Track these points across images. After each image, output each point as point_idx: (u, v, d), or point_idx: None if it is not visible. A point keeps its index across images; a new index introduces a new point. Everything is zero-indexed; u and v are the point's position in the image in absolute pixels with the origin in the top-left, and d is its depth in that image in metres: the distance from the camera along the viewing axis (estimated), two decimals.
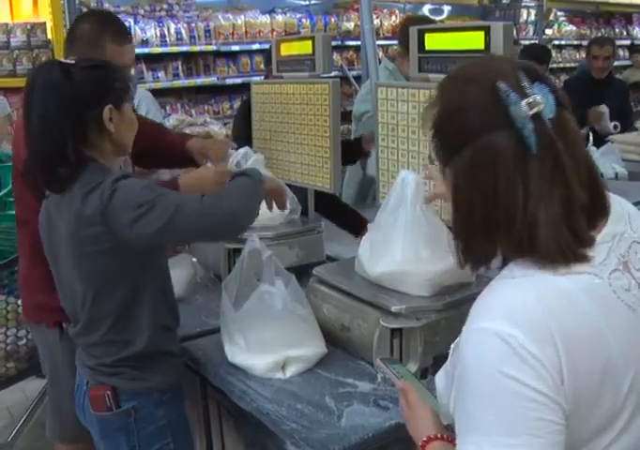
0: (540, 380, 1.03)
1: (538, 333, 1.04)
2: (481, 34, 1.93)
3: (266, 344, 1.95)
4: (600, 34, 9.84)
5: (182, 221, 1.74)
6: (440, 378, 1.33)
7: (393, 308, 1.87)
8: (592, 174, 1.17)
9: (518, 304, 1.08)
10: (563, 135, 1.11)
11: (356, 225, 2.95)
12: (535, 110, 1.08)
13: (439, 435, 1.30)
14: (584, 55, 9.48)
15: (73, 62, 1.84)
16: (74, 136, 1.77)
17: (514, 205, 1.10)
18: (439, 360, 1.90)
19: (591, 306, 1.10)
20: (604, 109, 5.04)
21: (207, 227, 1.78)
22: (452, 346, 1.28)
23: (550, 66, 5.31)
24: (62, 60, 1.85)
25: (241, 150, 2.66)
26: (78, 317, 1.91)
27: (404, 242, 1.93)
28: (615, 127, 5.06)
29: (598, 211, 1.17)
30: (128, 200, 1.72)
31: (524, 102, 1.08)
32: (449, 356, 1.30)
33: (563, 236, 1.10)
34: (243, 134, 3.36)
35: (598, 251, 1.14)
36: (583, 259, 1.11)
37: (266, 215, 2.56)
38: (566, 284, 1.10)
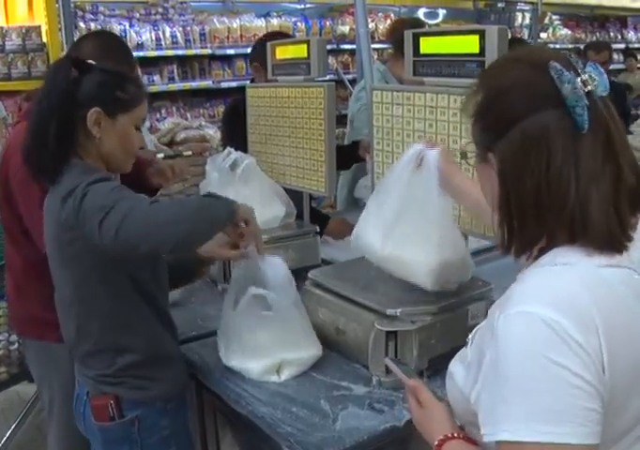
0: (585, 368, 1.01)
1: (582, 321, 1.03)
2: (476, 38, 1.94)
3: (262, 347, 1.95)
4: (594, 37, 9.87)
5: (131, 225, 1.61)
6: (457, 367, 1.32)
7: (388, 311, 1.87)
8: (634, 160, 1.17)
9: (563, 291, 1.07)
10: (611, 116, 1.13)
11: (320, 223, 2.95)
12: (589, 87, 1.09)
13: (456, 434, 1.29)
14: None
15: (93, 62, 1.86)
16: (59, 131, 1.77)
17: (566, 185, 1.09)
18: (434, 363, 1.91)
19: (632, 299, 1.10)
20: None
21: (149, 234, 1.64)
22: (472, 334, 1.28)
23: None
24: (82, 59, 1.86)
25: (226, 152, 2.67)
26: (69, 325, 1.89)
27: (418, 228, 1.85)
28: None
29: (638, 200, 1.16)
30: (95, 203, 1.66)
31: (579, 79, 1.09)
32: (469, 346, 1.28)
33: (611, 218, 1.10)
34: (228, 137, 3.39)
35: (637, 248, 1.15)
36: (624, 247, 1.12)
37: (261, 218, 2.57)
38: (608, 275, 1.10)
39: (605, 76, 1.12)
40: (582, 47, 7.03)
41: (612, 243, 1.11)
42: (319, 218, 3.02)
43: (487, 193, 1.24)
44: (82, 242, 1.71)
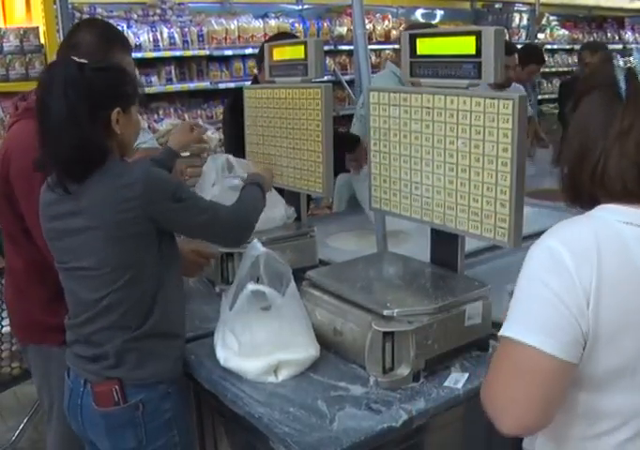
0: (567, 291, 1.25)
1: (580, 255, 1.26)
2: (472, 39, 1.94)
3: (259, 348, 1.95)
4: (592, 38, 9.88)
5: (245, 229, 2.15)
6: None
7: (385, 312, 1.87)
8: None
9: (573, 231, 1.31)
10: None
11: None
12: (629, 65, 1.33)
13: None
14: (576, 59, 9.55)
15: (86, 61, 1.88)
16: (97, 133, 1.85)
17: (595, 141, 1.33)
18: (431, 363, 1.92)
19: None
20: None
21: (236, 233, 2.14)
22: None
23: (542, 70, 5.34)
24: (75, 58, 1.88)
25: (221, 158, 2.69)
26: (89, 305, 1.92)
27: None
28: None
29: None
30: (165, 188, 1.88)
31: (622, 61, 1.35)
32: None
33: (628, 173, 1.30)
34: (229, 138, 3.41)
35: None
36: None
37: (262, 218, 2.58)
38: (626, 231, 1.28)
39: None
40: (578, 47, 7.08)
41: (628, 196, 1.30)
42: (349, 140, 3.36)
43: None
44: (142, 221, 1.86)
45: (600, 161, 1.32)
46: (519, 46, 5.69)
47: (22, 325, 2.53)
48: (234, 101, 3.53)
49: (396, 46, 6.01)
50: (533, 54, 5.61)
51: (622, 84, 1.31)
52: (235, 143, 3.17)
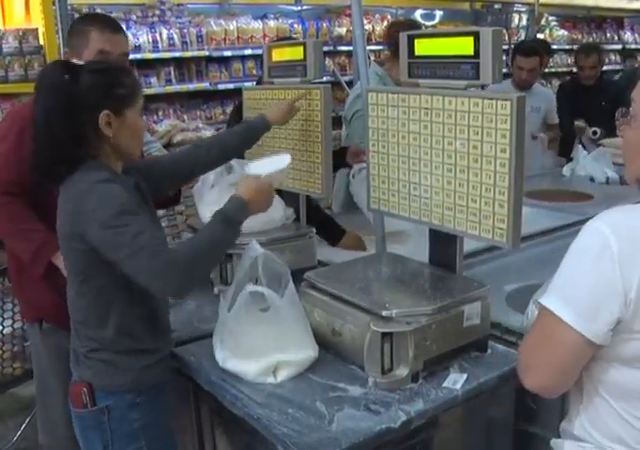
0: (612, 275, 1.30)
1: (627, 243, 1.30)
2: (471, 39, 1.94)
3: (258, 349, 1.95)
4: (591, 39, 9.88)
5: (186, 282, 1.81)
6: None
7: (384, 313, 1.87)
8: None
9: (627, 217, 1.36)
10: None
11: (333, 235, 3.08)
12: None
13: None
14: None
15: (82, 63, 1.89)
16: (70, 137, 1.83)
17: None
18: (430, 364, 1.92)
19: None
20: (582, 123, 5.33)
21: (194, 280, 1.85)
22: None
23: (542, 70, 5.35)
24: (71, 61, 1.90)
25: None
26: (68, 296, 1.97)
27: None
28: (594, 133, 5.19)
29: None
30: (100, 208, 1.76)
31: None
32: None
33: None
34: None
35: None
36: None
37: (262, 219, 2.58)
38: None
39: None
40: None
41: None
42: (335, 231, 3.11)
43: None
44: (82, 239, 1.80)
45: None
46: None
47: (21, 306, 2.61)
48: (240, 104, 3.54)
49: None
50: (540, 47, 5.63)
51: None
52: None
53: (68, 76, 1.82)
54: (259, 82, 3.61)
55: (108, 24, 2.51)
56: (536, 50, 5.01)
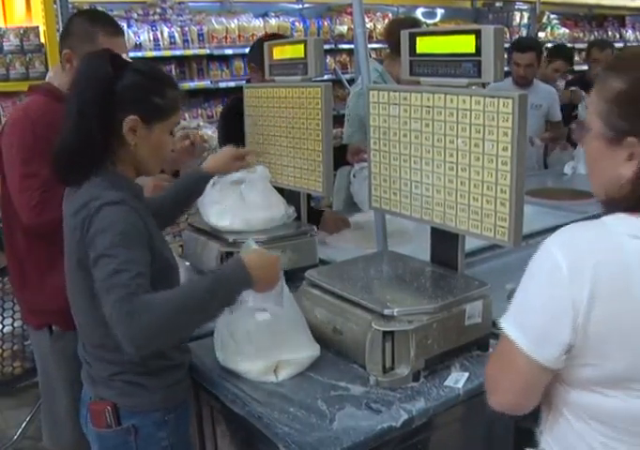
0: (561, 301, 1.25)
1: (578, 266, 1.24)
2: (472, 37, 1.94)
3: (258, 348, 1.94)
4: (593, 37, 9.86)
5: (154, 338, 1.59)
6: None
7: (385, 311, 1.87)
8: None
9: (579, 239, 1.30)
10: None
11: (314, 219, 3.05)
12: None
13: None
14: (577, 58, 9.52)
15: (129, 60, 1.82)
16: (99, 133, 1.73)
17: None
18: (431, 363, 1.92)
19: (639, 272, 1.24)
20: (578, 89, 5.38)
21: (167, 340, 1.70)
22: None
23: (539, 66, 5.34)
24: (116, 54, 1.80)
25: None
26: (79, 324, 1.88)
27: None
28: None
29: None
30: (100, 234, 1.64)
31: None
32: None
33: None
34: (225, 136, 3.40)
35: None
36: None
37: (263, 218, 2.58)
38: (628, 243, 1.25)
39: None
40: (583, 45, 7.08)
41: None
42: (312, 215, 3.05)
43: (606, 173, 1.37)
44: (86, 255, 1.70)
45: None
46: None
47: (23, 309, 2.59)
48: (227, 108, 3.56)
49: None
50: (562, 52, 5.63)
51: None
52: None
53: (112, 70, 1.74)
54: (249, 81, 3.60)
55: (113, 27, 2.50)
56: (531, 45, 5.02)
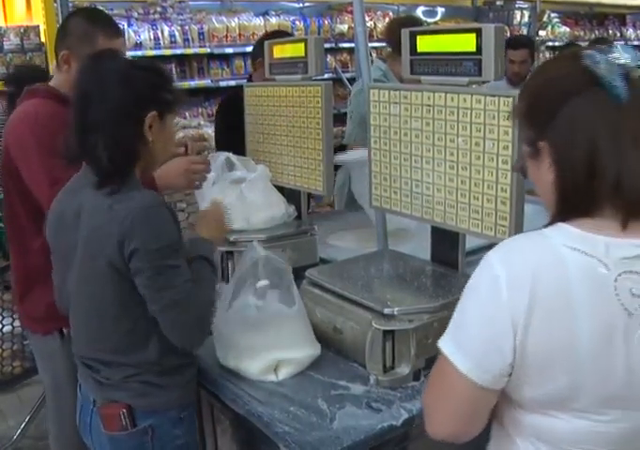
0: (499, 318, 1.19)
1: (516, 281, 1.18)
2: (473, 36, 1.94)
3: (259, 347, 1.94)
4: (593, 35, 9.86)
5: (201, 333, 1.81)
6: None
7: (386, 310, 1.87)
8: None
9: (519, 252, 1.23)
10: None
11: None
12: (621, 61, 1.19)
13: None
14: None
15: (133, 59, 1.84)
16: (133, 133, 1.75)
17: (607, 155, 1.18)
18: (432, 362, 1.91)
19: (579, 286, 1.17)
20: None
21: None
22: None
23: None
24: (120, 53, 1.83)
25: (221, 157, 2.67)
26: (88, 330, 1.85)
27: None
28: None
29: None
30: (152, 239, 1.68)
31: (610, 56, 1.19)
32: None
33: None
34: (222, 137, 3.40)
35: (629, 247, 1.19)
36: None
37: (263, 217, 2.57)
38: (568, 256, 1.18)
39: (634, 51, 1.23)
40: (584, 44, 7.08)
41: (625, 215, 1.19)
42: None
43: (543, 186, 1.30)
44: (122, 265, 1.70)
45: (614, 173, 1.17)
46: None
47: (24, 314, 2.57)
48: (224, 104, 3.56)
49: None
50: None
51: (617, 83, 1.17)
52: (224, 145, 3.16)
53: (130, 68, 1.75)
54: (249, 81, 3.60)
55: (113, 28, 2.46)
56: (524, 42, 5.08)
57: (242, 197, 2.58)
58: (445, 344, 1.28)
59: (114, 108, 1.72)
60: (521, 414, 1.30)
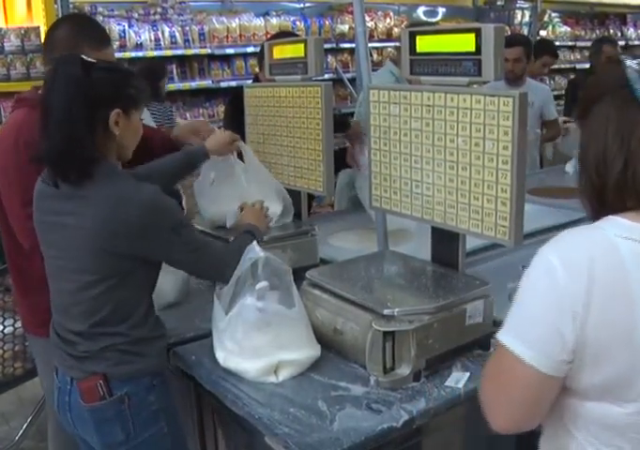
0: (558, 308, 1.23)
1: (573, 272, 1.22)
2: (472, 36, 1.93)
3: (259, 348, 1.94)
4: (594, 35, 9.87)
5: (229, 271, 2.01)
6: None
7: (386, 311, 1.87)
8: None
9: (573, 244, 1.27)
10: None
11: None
12: None
13: None
14: (578, 56, 9.53)
15: (93, 60, 1.88)
16: (89, 131, 1.84)
17: (619, 151, 1.27)
18: (432, 363, 1.91)
19: (636, 273, 1.22)
20: None
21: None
22: None
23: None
24: (82, 57, 1.87)
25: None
26: (69, 306, 1.94)
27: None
28: None
29: None
30: (167, 220, 1.90)
31: (635, 62, 1.29)
32: None
33: None
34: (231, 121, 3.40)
35: None
36: None
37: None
38: (622, 245, 1.23)
39: None
40: (585, 43, 7.11)
41: None
42: (342, 124, 3.37)
43: None
44: (133, 249, 1.88)
45: (627, 170, 1.26)
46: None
47: (26, 318, 2.56)
48: (234, 97, 3.54)
49: (397, 44, 5.99)
50: (547, 47, 5.66)
51: (638, 86, 1.26)
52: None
53: (85, 71, 1.83)
54: (255, 80, 3.60)
55: (99, 38, 2.41)
56: (519, 40, 5.03)
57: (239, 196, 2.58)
58: (504, 336, 1.31)
59: (65, 108, 1.81)
60: (577, 403, 1.32)
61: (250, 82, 3.89)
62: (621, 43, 9.93)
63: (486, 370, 1.41)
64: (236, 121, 3.19)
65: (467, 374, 1.92)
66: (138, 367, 1.93)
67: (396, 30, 7.35)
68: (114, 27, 5.58)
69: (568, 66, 9.36)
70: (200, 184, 2.73)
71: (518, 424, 1.37)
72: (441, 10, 8.33)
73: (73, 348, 1.95)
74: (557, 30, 9.39)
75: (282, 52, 2.77)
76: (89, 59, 1.87)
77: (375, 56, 7.16)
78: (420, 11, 8.09)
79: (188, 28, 6.01)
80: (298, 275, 2.16)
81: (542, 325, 1.26)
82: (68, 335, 1.97)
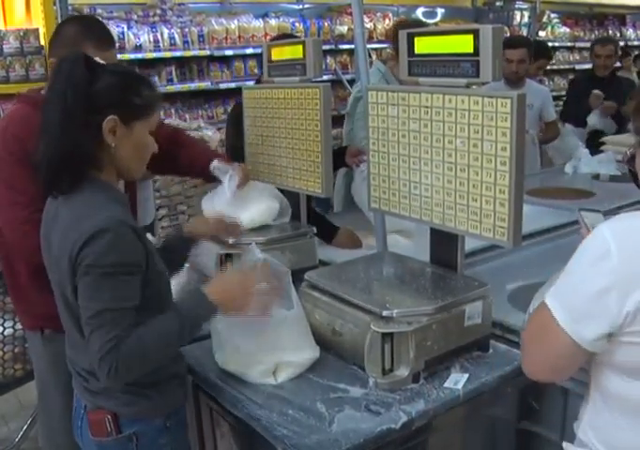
0: (608, 285, 1.30)
1: (627, 251, 1.30)
2: (470, 37, 1.93)
3: (258, 349, 1.94)
4: (593, 35, 9.87)
5: (127, 370, 1.63)
6: None
7: (384, 313, 1.86)
8: None
9: (630, 224, 1.36)
10: None
11: (327, 232, 3.10)
12: None
13: None
14: (577, 57, 9.53)
15: (103, 62, 1.78)
16: (81, 137, 1.69)
17: None
18: (431, 364, 1.91)
19: None
20: (599, 92, 5.50)
21: (140, 369, 1.69)
22: None
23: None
24: (90, 57, 1.75)
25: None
26: (77, 341, 1.79)
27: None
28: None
29: None
30: (101, 255, 1.61)
31: None
32: None
33: None
34: (234, 142, 3.38)
35: None
36: None
37: (253, 216, 2.57)
38: None
39: None
40: (584, 44, 7.13)
41: None
42: (329, 229, 3.11)
43: None
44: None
45: None
46: None
47: (19, 312, 2.58)
48: (237, 114, 3.53)
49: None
50: (543, 50, 5.70)
51: None
52: (237, 155, 3.12)
53: (87, 71, 1.70)
54: (258, 82, 3.60)
55: (104, 39, 2.41)
56: (522, 41, 5.05)
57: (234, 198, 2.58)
58: (552, 300, 1.40)
59: (61, 109, 1.69)
60: (614, 381, 1.41)
61: (249, 83, 3.90)
62: (620, 44, 9.94)
63: (531, 318, 1.53)
64: (238, 140, 3.18)
65: (466, 375, 1.92)
66: (150, 408, 1.81)
67: None
68: (114, 29, 5.55)
69: (567, 66, 9.37)
70: (208, 198, 2.72)
71: (548, 379, 1.59)
72: (440, 11, 8.32)
73: (86, 382, 1.83)
74: (556, 31, 9.39)
75: (281, 53, 2.76)
76: (98, 60, 1.77)
77: (374, 57, 7.15)
78: (419, 12, 8.09)
79: (187, 30, 6.00)
80: (297, 276, 2.16)
81: (586, 300, 1.33)
82: (80, 371, 1.84)
